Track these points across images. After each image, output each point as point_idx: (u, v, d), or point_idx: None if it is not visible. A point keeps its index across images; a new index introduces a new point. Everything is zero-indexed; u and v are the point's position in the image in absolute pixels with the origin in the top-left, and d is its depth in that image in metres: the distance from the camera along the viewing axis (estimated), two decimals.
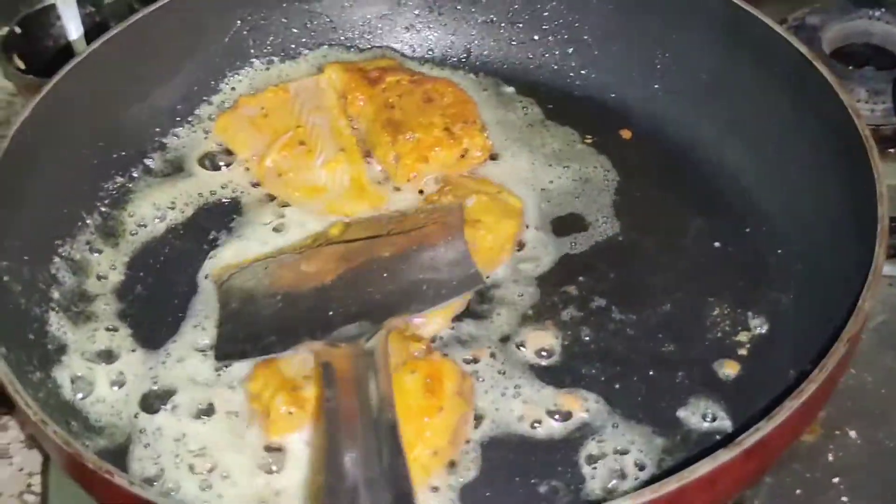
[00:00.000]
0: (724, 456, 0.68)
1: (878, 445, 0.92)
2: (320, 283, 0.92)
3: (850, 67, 1.21)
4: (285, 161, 1.05)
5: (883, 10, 1.28)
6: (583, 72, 1.15)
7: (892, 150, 1.16)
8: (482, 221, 0.97)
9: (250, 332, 0.91)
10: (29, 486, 0.97)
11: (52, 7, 1.22)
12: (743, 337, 0.92)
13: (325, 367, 0.82)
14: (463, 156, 1.04)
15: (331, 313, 0.89)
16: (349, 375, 0.80)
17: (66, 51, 1.23)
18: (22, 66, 1.21)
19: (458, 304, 0.93)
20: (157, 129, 1.10)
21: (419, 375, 0.84)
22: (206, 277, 0.98)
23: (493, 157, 1.07)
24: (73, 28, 1.20)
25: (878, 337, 1.01)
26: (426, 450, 0.81)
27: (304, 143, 1.06)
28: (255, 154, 1.07)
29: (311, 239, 0.99)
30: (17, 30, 1.22)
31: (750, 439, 0.69)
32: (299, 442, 0.84)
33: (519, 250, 0.99)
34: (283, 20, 1.16)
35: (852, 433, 0.93)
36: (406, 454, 0.73)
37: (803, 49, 0.96)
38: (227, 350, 0.91)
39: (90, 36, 1.22)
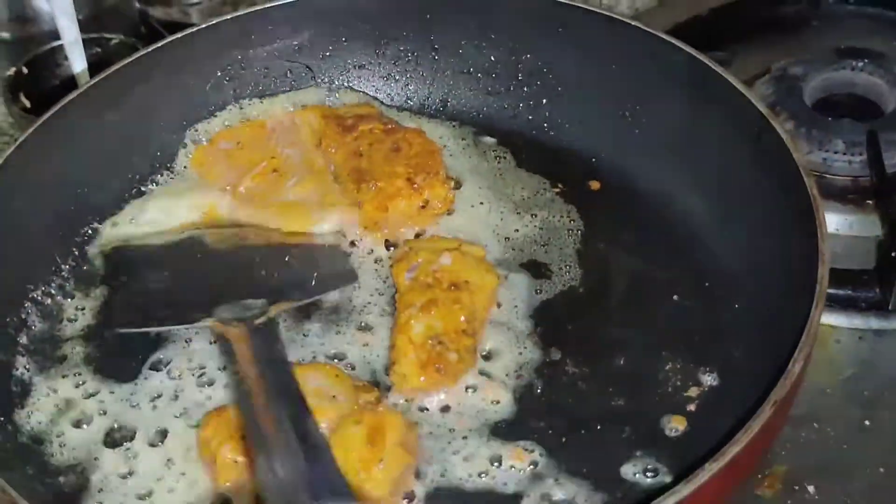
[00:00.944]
0: None
1: (836, 502, 0.92)
2: (215, 258, 1.01)
3: (829, 119, 1.22)
4: (258, 187, 1.09)
5: (866, 60, 1.28)
6: (555, 122, 1.17)
7: (869, 202, 1.15)
8: (470, 282, 0.97)
9: (142, 303, 0.98)
10: None
11: (60, 48, 1.25)
12: (693, 392, 0.92)
13: (223, 345, 0.90)
14: (423, 206, 1.06)
15: (221, 291, 0.95)
16: (247, 353, 0.87)
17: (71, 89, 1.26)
18: (28, 105, 1.25)
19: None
20: (138, 176, 1.12)
21: (362, 427, 0.85)
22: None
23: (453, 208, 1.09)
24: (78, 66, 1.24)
25: (844, 391, 1.01)
26: (365, 501, 0.82)
27: (277, 171, 1.10)
28: (228, 184, 1.10)
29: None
30: (24, 70, 1.26)
31: (666, 501, 0.70)
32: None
33: None
34: (265, 69, 1.19)
35: (811, 488, 0.94)
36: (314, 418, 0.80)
37: (762, 107, 0.97)
38: (120, 319, 0.98)
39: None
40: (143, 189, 1.12)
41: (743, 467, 0.76)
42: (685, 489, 0.70)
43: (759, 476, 0.94)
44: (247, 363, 0.86)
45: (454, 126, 1.19)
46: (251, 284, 0.99)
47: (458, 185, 1.11)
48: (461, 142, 1.17)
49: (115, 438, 0.91)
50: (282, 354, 0.89)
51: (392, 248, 1.06)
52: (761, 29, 1.37)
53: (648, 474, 0.86)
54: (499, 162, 1.14)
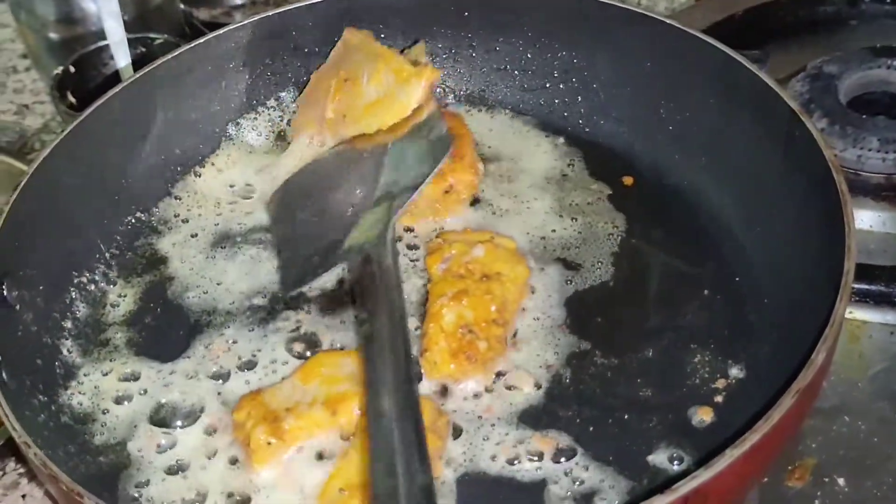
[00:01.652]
0: (658, 501, 0.70)
1: (866, 494, 0.93)
2: (337, 178, 1.04)
3: (864, 116, 1.22)
4: (342, 104, 1.10)
5: None
6: (590, 119, 1.18)
7: None
8: (502, 273, 0.99)
9: (301, 255, 1.00)
10: None
11: (106, 48, 1.28)
12: (720, 384, 0.93)
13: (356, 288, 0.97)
14: (448, 191, 1.07)
15: (351, 210, 0.98)
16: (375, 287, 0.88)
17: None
18: (74, 102, 1.28)
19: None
20: (179, 168, 1.16)
21: None
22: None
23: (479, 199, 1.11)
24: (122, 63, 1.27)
25: (875, 385, 1.01)
26: None
27: (349, 79, 1.10)
28: (315, 122, 1.12)
29: None
30: (72, 69, 1.29)
31: (686, 486, 0.70)
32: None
33: None
34: (304, 65, 1.21)
35: (840, 481, 0.94)
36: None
37: (793, 104, 0.98)
38: (287, 280, 1.01)
39: None
40: (186, 179, 1.14)
41: (764, 456, 0.76)
42: (705, 474, 0.71)
43: (789, 468, 0.95)
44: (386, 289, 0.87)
45: (494, 118, 1.20)
46: (371, 192, 1.00)
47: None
48: (499, 134, 1.18)
49: (155, 420, 0.94)
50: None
51: (412, 232, 1.08)
52: (797, 28, 1.37)
53: (675, 463, 0.88)
54: (534, 156, 1.15)
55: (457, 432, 0.90)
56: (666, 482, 0.85)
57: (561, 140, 1.17)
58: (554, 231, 1.07)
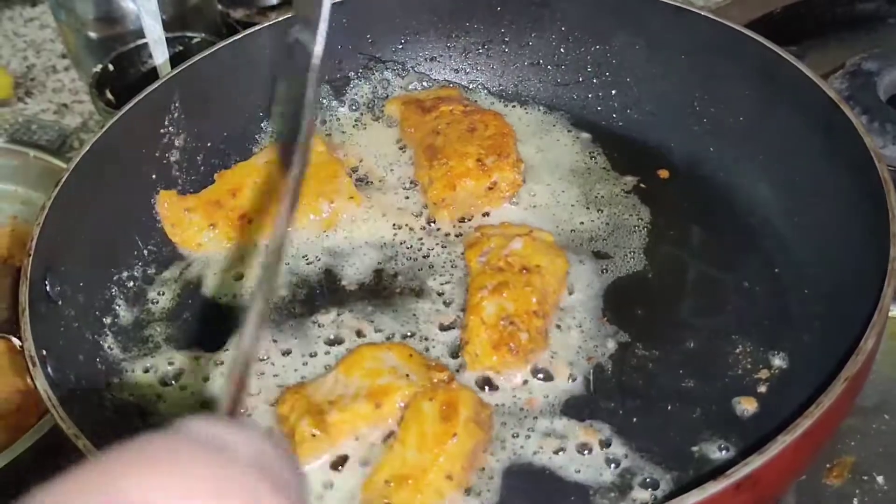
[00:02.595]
0: (711, 488, 0.70)
1: None
2: None
3: None
4: None
5: None
6: (624, 113, 1.18)
7: None
8: (541, 266, 0.99)
9: None
10: None
11: (144, 46, 1.30)
12: (763, 374, 0.93)
13: None
14: (491, 188, 1.07)
15: None
16: None
17: None
18: (113, 100, 1.29)
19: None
20: (217, 161, 1.16)
21: (436, 403, 0.87)
22: None
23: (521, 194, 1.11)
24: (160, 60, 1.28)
25: None
26: (440, 474, 0.84)
27: None
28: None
29: None
30: (110, 67, 1.30)
31: (739, 472, 0.71)
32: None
33: None
34: (339, 61, 1.22)
35: (879, 479, 0.94)
36: None
37: (832, 94, 0.97)
38: None
39: None
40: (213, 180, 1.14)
41: (814, 442, 0.76)
42: (757, 460, 0.71)
43: (828, 466, 0.95)
44: None
45: (527, 113, 1.20)
46: None
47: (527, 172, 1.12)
48: (532, 129, 1.18)
49: (194, 415, 0.93)
50: None
51: (459, 225, 1.08)
52: (835, 26, 1.37)
53: (720, 452, 0.87)
54: (568, 151, 1.15)
55: (501, 424, 0.90)
56: (713, 471, 0.85)
57: (595, 134, 1.17)
58: (582, 223, 1.07)
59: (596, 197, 1.10)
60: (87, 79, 1.31)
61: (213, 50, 1.13)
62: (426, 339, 0.98)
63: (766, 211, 1.05)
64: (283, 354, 0.98)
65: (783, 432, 0.72)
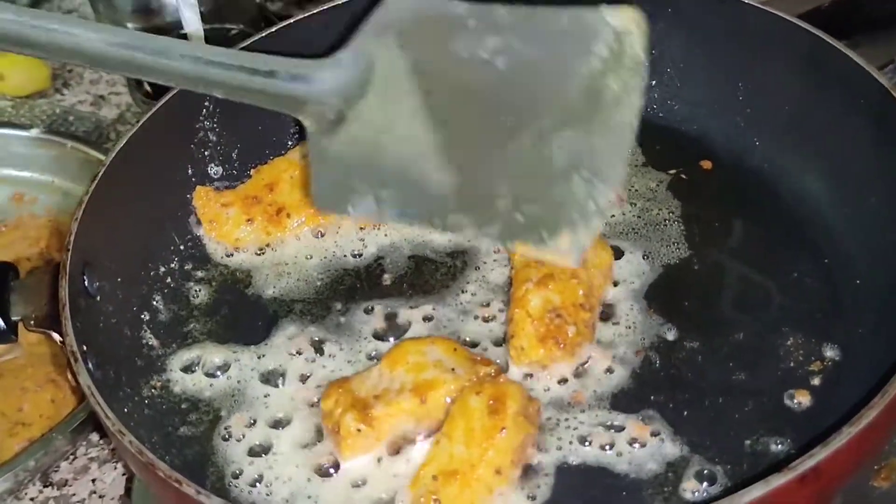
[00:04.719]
0: (776, 480, 0.68)
1: None
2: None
3: None
4: None
5: None
6: (664, 104, 1.16)
7: None
8: (586, 259, 0.96)
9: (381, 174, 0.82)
10: (130, 490, 1.04)
11: (182, 38, 1.28)
12: (816, 366, 0.91)
13: None
14: None
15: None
16: None
17: None
18: (150, 91, 1.29)
19: None
20: (255, 156, 1.14)
21: (483, 397, 0.85)
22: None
23: None
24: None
25: None
26: (489, 469, 0.83)
27: None
28: None
29: None
30: None
31: (804, 465, 0.69)
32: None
33: None
34: None
35: None
36: None
37: (884, 81, 0.95)
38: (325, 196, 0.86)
39: None
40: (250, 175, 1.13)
41: (878, 434, 0.75)
42: (822, 452, 0.69)
43: (875, 468, 0.92)
44: None
45: None
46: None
47: None
48: None
49: (239, 410, 0.92)
50: None
51: None
52: (885, 21, 1.34)
53: (776, 446, 0.85)
54: None
55: (549, 418, 0.89)
56: (770, 465, 0.83)
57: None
58: (624, 215, 1.05)
59: (637, 189, 1.08)
60: None
61: (248, 42, 1.11)
62: (469, 332, 0.96)
63: (815, 202, 1.04)
64: (325, 352, 0.97)
65: (848, 423, 0.71)
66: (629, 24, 0.78)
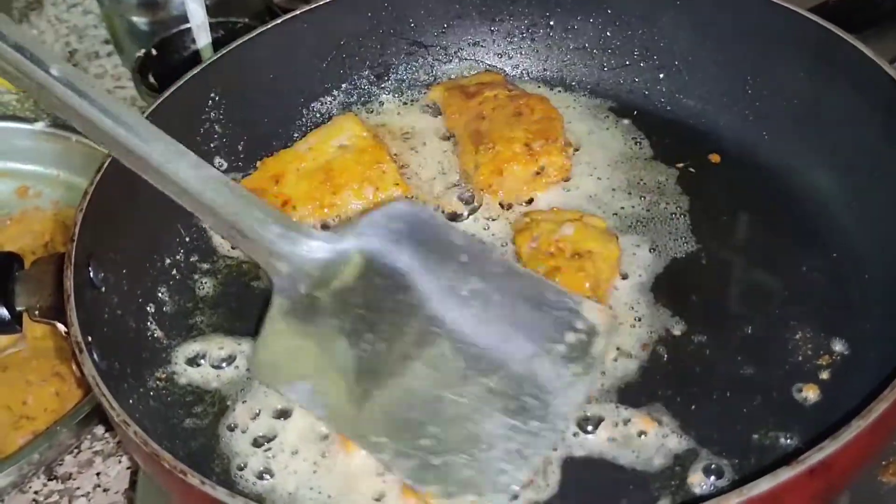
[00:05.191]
0: (784, 474, 0.68)
1: None
2: None
3: None
4: None
5: None
6: (673, 97, 1.16)
7: None
8: (593, 251, 0.96)
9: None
10: (135, 483, 1.04)
11: (188, 31, 1.29)
12: (824, 361, 0.90)
13: None
14: (539, 173, 1.05)
15: None
16: None
17: None
18: (155, 84, 1.28)
19: None
20: (257, 149, 1.14)
21: None
22: None
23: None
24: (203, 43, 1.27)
25: None
26: None
27: None
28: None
29: None
30: (153, 52, 1.29)
31: (813, 458, 0.68)
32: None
33: None
34: (379, 46, 1.20)
35: None
36: None
37: (894, 74, 0.95)
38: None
39: None
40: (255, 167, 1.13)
41: (888, 427, 0.74)
42: (831, 445, 0.69)
43: (883, 464, 0.92)
44: None
45: (572, 98, 1.18)
46: None
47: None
48: (578, 115, 1.16)
49: (243, 403, 0.92)
50: None
51: (506, 210, 1.05)
52: (892, 16, 1.33)
53: (784, 440, 0.85)
54: (615, 137, 1.13)
55: None
56: (778, 460, 0.83)
57: (642, 120, 1.15)
58: (633, 208, 1.05)
59: (644, 182, 1.08)
60: (130, 64, 1.30)
61: (253, 34, 1.11)
62: None
63: (823, 196, 1.03)
64: None
65: (857, 416, 0.70)
66: (603, 325, 0.86)
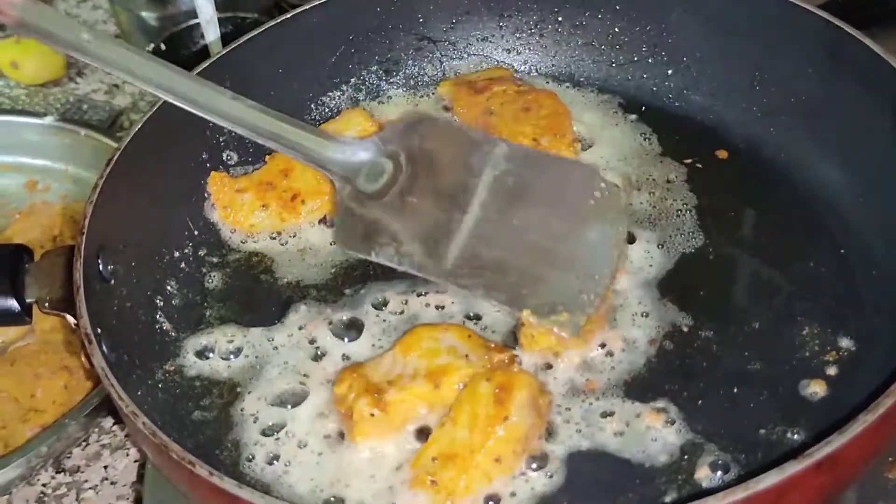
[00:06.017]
0: (791, 468, 0.68)
1: None
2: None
3: None
4: None
5: None
6: (681, 93, 1.16)
7: None
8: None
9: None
10: (142, 476, 1.04)
11: (196, 27, 1.29)
12: (831, 356, 0.90)
13: None
14: None
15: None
16: None
17: None
18: None
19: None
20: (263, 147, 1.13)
21: (491, 384, 0.85)
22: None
23: None
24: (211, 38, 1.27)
25: None
26: (489, 456, 0.82)
27: None
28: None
29: None
30: (163, 46, 1.30)
31: (820, 452, 0.68)
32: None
33: None
34: (388, 42, 1.20)
35: None
36: None
37: None
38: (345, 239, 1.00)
39: None
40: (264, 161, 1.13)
41: (894, 424, 0.74)
42: (838, 440, 0.69)
43: (890, 459, 0.92)
44: None
45: (581, 94, 1.18)
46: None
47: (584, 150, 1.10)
48: (586, 111, 1.16)
49: (252, 395, 0.92)
50: None
51: None
52: None
53: (791, 436, 0.85)
54: (623, 133, 1.13)
55: (562, 407, 0.88)
56: (784, 455, 0.82)
57: (650, 115, 1.15)
58: (641, 204, 1.05)
59: (653, 178, 1.08)
60: None
61: (262, 29, 1.11)
62: (483, 319, 0.96)
63: (831, 191, 1.03)
64: (338, 338, 0.96)
65: (864, 411, 0.70)
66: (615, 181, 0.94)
